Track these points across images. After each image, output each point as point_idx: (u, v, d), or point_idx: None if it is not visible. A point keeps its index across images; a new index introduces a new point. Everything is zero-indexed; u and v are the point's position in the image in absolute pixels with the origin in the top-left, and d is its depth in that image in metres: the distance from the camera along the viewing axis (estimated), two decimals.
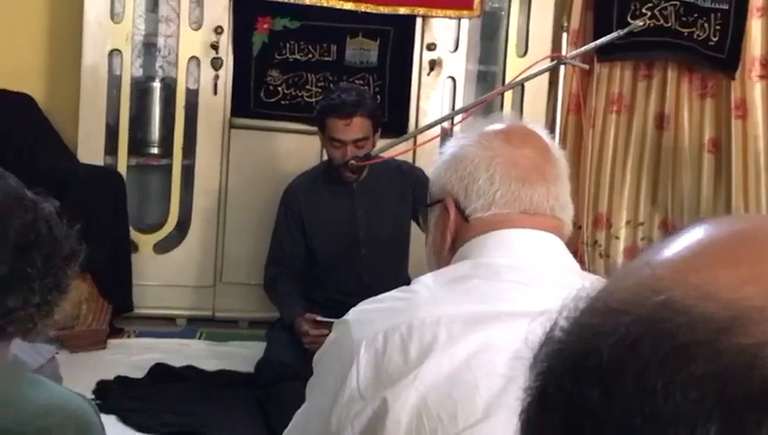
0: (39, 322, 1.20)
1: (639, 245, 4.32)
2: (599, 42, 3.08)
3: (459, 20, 3.90)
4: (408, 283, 1.35)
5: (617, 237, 4.31)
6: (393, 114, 3.80)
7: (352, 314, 1.28)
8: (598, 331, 0.47)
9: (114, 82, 3.72)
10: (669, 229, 4.32)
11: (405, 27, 3.82)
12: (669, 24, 4.12)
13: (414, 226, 3.31)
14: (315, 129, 3.26)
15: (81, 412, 1.18)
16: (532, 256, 1.28)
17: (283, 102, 3.76)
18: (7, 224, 1.12)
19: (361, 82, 3.77)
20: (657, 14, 4.10)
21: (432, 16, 3.84)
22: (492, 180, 1.31)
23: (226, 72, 3.74)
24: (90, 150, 3.64)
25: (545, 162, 1.34)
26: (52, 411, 1.14)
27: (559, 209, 1.33)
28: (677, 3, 4.13)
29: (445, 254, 1.35)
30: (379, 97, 3.78)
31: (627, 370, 0.44)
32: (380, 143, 3.19)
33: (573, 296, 0.52)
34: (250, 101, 3.74)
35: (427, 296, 1.24)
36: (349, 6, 3.74)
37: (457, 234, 1.34)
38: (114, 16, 3.67)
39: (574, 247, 1.30)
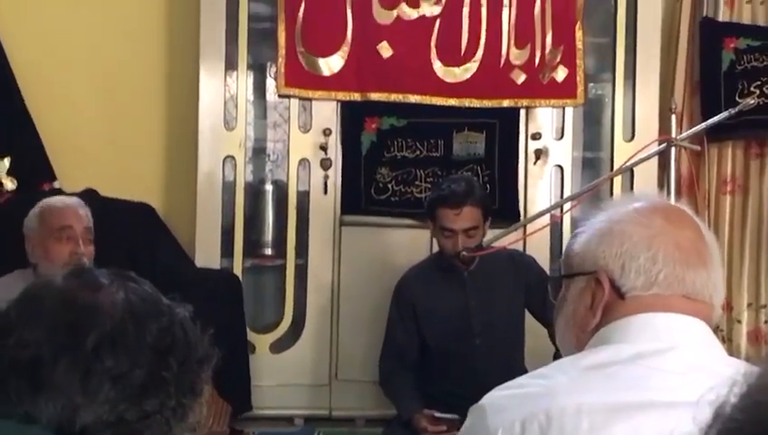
0: (174, 425, 1.22)
1: (763, 328, 4.16)
2: (710, 121, 3.03)
3: (563, 109, 3.90)
4: (524, 374, 1.31)
5: (739, 321, 4.16)
6: (503, 202, 3.80)
7: (487, 399, 1.25)
8: None
9: (228, 186, 3.82)
10: None
11: (509, 119, 3.84)
12: None
13: (528, 315, 3.27)
14: (424, 222, 3.27)
15: None
16: (680, 342, 1.24)
17: (393, 199, 3.81)
18: (144, 329, 1.14)
19: (470, 172, 3.80)
20: (766, 91, 4.03)
21: (535, 107, 3.86)
22: (655, 260, 1.27)
23: (335, 172, 3.81)
24: (207, 254, 3.73)
25: (703, 245, 1.30)
26: None
27: (717, 297, 1.29)
28: None
29: (590, 329, 1.30)
30: (488, 186, 3.79)
31: None
32: (491, 232, 3.18)
33: (741, 374, 0.50)
34: (361, 199, 3.80)
35: (566, 383, 1.20)
36: (453, 102, 3.80)
37: (606, 312, 1.29)
38: (227, 124, 3.80)
39: None
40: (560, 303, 1.37)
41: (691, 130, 3.13)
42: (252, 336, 3.78)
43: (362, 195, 3.80)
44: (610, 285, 1.28)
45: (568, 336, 1.34)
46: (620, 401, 1.15)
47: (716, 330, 4.00)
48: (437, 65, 3.77)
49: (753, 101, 3.30)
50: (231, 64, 3.80)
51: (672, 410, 1.12)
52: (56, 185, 3.84)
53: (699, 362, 1.21)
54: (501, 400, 1.23)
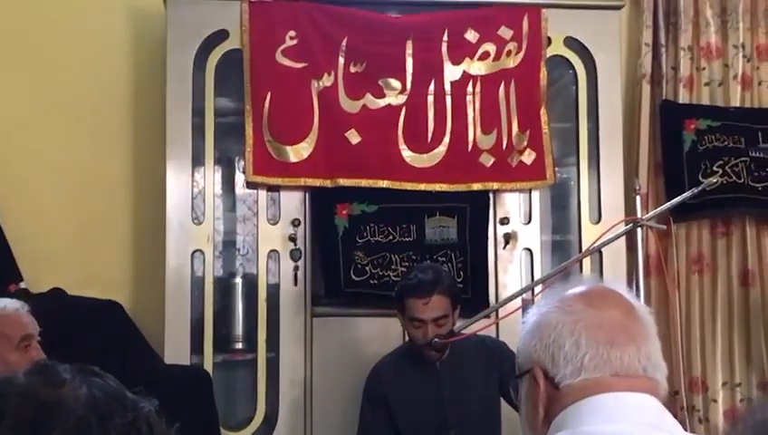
0: None
1: (739, 406, 4.16)
2: (674, 201, 3.08)
3: (530, 193, 3.95)
4: None
5: (714, 400, 4.16)
6: (475, 289, 3.81)
7: None
8: None
9: (197, 281, 3.80)
10: None
11: (480, 203, 3.88)
12: (742, 180, 4.12)
13: (504, 403, 3.24)
14: (395, 311, 3.26)
15: None
16: (633, 420, 1.24)
17: (371, 281, 3.80)
18: (109, 424, 1.13)
19: (444, 259, 3.81)
20: (729, 170, 4.12)
21: (506, 190, 3.90)
22: (578, 345, 1.28)
23: (305, 263, 3.81)
24: (176, 350, 3.69)
25: (631, 321, 1.31)
26: None
27: (651, 369, 1.30)
28: (747, 159, 4.14)
29: (539, 427, 1.31)
30: (462, 274, 3.80)
31: None
32: (462, 320, 3.18)
33: None
34: (340, 281, 3.80)
35: None
36: (423, 187, 3.83)
37: (549, 403, 1.31)
38: (195, 219, 3.81)
39: (673, 414, 1.27)
40: (519, 405, 1.39)
41: (656, 210, 3.19)
42: (223, 434, 3.72)
43: (341, 276, 3.80)
44: (545, 378, 1.30)
45: None
46: None
47: (692, 410, 4.00)
48: (406, 153, 3.81)
49: (716, 181, 3.38)
50: (198, 159, 3.82)
51: None
52: (22, 285, 3.82)
53: None
54: None
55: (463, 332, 3.08)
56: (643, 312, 1.35)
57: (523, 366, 1.36)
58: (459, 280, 3.77)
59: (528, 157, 3.90)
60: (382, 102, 3.83)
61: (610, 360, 1.27)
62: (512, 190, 3.92)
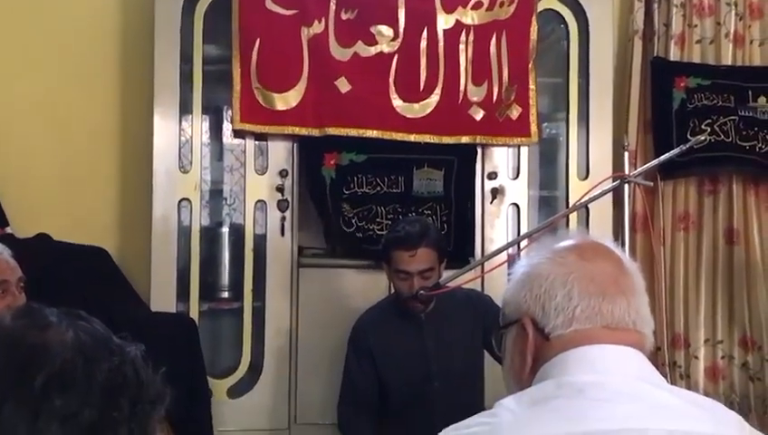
0: None
1: (720, 363, 4.21)
2: (662, 158, 3.09)
3: (519, 148, 3.95)
4: None
5: (696, 357, 4.21)
6: (458, 244, 3.82)
7: None
8: None
9: (184, 230, 3.81)
10: (749, 346, 4.21)
11: (467, 157, 3.88)
12: (730, 139, 4.13)
13: (488, 357, 3.27)
14: (382, 263, 3.28)
15: None
16: (617, 371, 1.26)
17: (357, 235, 3.81)
18: (94, 368, 1.13)
19: (429, 212, 3.82)
20: (717, 129, 4.12)
21: (493, 145, 3.90)
22: (570, 296, 1.30)
23: (292, 214, 3.81)
24: (162, 298, 3.70)
25: (622, 275, 1.33)
26: None
27: (640, 323, 1.32)
28: (736, 118, 4.15)
29: (526, 375, 1.33)
30: (446, 227, 3.81)
31: None
32: (446, 273, 3.19)
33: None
34: (330, 231, 3.81)
35: (510, 420, 1.22)
36: (412, 138, 3.82)
37: (537, 353, 1.32)
38: (182, 167, 3.79)
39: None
40: (503, 355, 1.41)
41: (644, 167, 3.19)
42: (210, 381, 3.74)
43: (332, 226, 3.81)
44: (534, 328, 1.31)
45: (511, 387, 1.38)
46: (562, 432, 1.17)
47: (674, 366, 4.05)
48: (396, 101, 3.80)
49: (704, 139, 3.39)
50: (186, 107, 3.80)
51: None
52: (8, 230, 3.81)
53: (637, 391, 1.24)
54: None
55: (448, 285, 3.09)
56: (632, 266, 1.37)
57: (510, 317, 1.37)
58: (443, 233, 3.78)
59: (514, 112, 3.89)
60: (374, 50, 3.80)
61: (602, 312, 1.29)
62: (498, 145, 3.91)
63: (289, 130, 3.77)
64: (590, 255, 1.34)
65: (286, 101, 3.75)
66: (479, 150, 3.90)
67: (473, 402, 3.13)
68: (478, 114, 3.84)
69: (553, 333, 1.30)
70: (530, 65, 3.90)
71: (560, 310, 1.30)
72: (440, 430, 1.30)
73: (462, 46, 3.83)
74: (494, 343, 1.44)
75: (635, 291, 1.33)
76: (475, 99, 3.84)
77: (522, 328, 1.34)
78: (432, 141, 3.83)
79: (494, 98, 3.85)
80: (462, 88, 3.83)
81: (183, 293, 3.77)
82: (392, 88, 3.80)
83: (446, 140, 3.83)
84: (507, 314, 1.38)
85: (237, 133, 3.82)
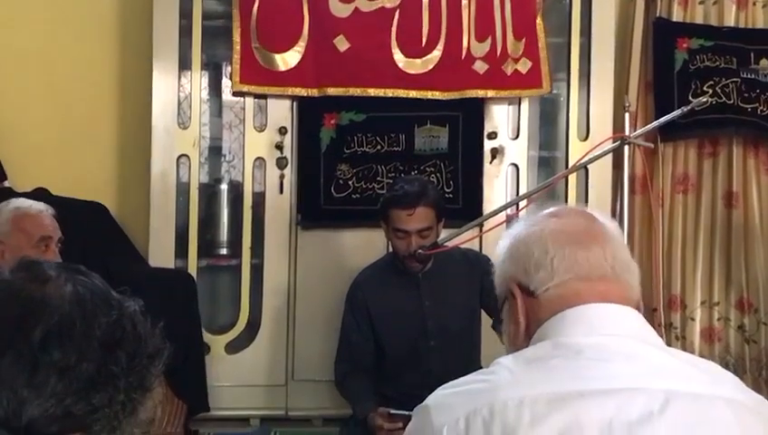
0: (124, 420, 1.21)
1: (716, 325, 4.23)
2: (663, 119, 3.08)
3: (519, 107, 3.94)
4: None
5: (692, 319, 4.22)
6: (467, 200, 3.82)
7: (432, 399, 1.29)
8: None
9: (182, 186, 3.81)
10: (746, 308, 4.23)
11: (473, 111, 3.86)
12: (732, 101, 4.12)
13: (485, 316, 3.28)
14: (380, 222, 3.27)
15: None
16: (614, 332, 1.28)
17: (353, 196, 3.81)
18: (93, 322, 1.14)
19: (433, 169, 3.81)
20: (719, 91, 4.11)
21: (501, 99, 3.87)
22: (546, 250, 1.33)
23: (291, 172, 3.81)
24: (160, 254, 3.71)
25: (593, 226, 1.37)
26: None
27: (620, 269, 1.34)
28: (738, 80, 4.13)
29: (521, 340, 1.35)
30: (452, 184, 3.81)
31: None
32: (448, 231, 3.19)
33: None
34: (320, 197, 3.79)
35: (508, 378, 1.24)
36: (414, 95, 3.79)
37: (529, 315, 1.35)
38: (181, 123, 3.78)
39: None
40: (503, 331, 1.44)
41: (644, 128, 3.18)
42: (207, 337, 3.77)
43: (322, 193, 3.80)
44: (521, 291, 1.35)
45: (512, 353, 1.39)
46: (560, 391, 1.19)
47: (670, 327, 4.06)
48: (398, 57, 3.77)
49: (705, 100, 3.37)
50: (185, 63, 3.78)
51: (610, 398, 1.17)
52: (6, 184, 3.81)
53: (635, 351, 1.25)
54: (445, 398, 1.27)
55: (446, 244, 3.09)
56: (607, 221, 1.40)
57: (501, 293, 1.41)
58: (449, 190, 3.78)
59: (523, 65, 3.86)
60: (375, 5, 3.77)
61: (577, 260, 1.32)
62: (506, 98, 3.89)
63: (289, 90, 3.76)
64: (561, 213, 1.40)
65: (286, 61, 3.73)
66: (483, 106, 3.87)
67: (469, 361, 3.16)
68: (483, 68, 3.81)
69: (539, 290, 1.33)
70: (538, 19, 3.87)
71: (539, 265, 1.33)
72: (436, 388, 1.31)
73: (465, 2, 3.80)
74: (488, 310, 1.47)
75: (609, 237, 1.36)
76: (478, 54, 3.81)
77: (511, 295, 1.37)
78: (435, 97, 3.80)
79: (498, 53, 3.82)
80: (465, 44, 3.80)
81: (181, 249, 3.78)
82: (394, 43, 3.77)
83: (450, 95, 3.81)
84: (499, 293, 1.42)
85: (237, 93, 3.81)
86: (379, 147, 3.82)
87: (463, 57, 3.80)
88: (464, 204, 3.79)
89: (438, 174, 3.81)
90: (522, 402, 1.18)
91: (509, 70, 3.84)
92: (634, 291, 1.35)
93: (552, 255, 1.33)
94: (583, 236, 1.34)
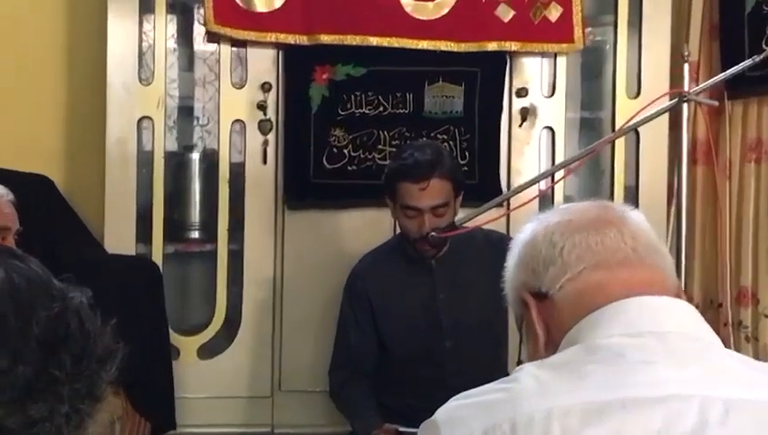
0: None
1: None
2: (730, 71, 3.07)
3: (555, 58, 3.93)
4: None
5: (766, 316, 4.22)
6: (484, 175, 3.82)
7: (441, 412, 1.29)
8: None
9: (145, 156, 3.82)
10: None
11: (495, 67, 3.86)
12: None
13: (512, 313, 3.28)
14: (385, 198, 3.28)
15: None
16: (658, 328, 1.28)
17: (350, 168, 3.81)
18: (31, 316, 1.14)
19: (445, 136, 3.82)
20: None
21: (525, 53, 3.87)
22: (553, 243, 1.36)
23: (277, 137, 3.81)
24: (119, 238, 3.72)
25: (606, 211, 1.40)
26: None
27: (645, 251, 1.35)
28: None
29: (542, 350, 1.37)
30: (467, 154, 3.81)
31: None
32: (465, 210, 3.19)
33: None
34: (310, 169, 3.80)
35: (533, 386, 1.24)
36: (424, 46, 3.80)
37: (548, 324, 1.37)
38: (143, 79, 3.78)
39: (715, 330, 1.30)
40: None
41: (707, 82, 3.17)
42: (175, 338, 3.78)
43: (311, 164, 3.80)
44: (533, 296, 1.38)
45: None
46: (597, 400, 1.19)
47: (739, 326, 4.06)
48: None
49: None
50: (147, 6, 3.79)
51: (658, 408, 1.18)
52: None
53: (686, 350, 1.26)
54: (457, 411, 1.28)
55: (465, 225, 3.10)
56: (627, 208, 1.43)
57: (517, 311, 1.44)
58: (464, 162, 3.78)
59: (553, 13, 3.85)
60: None
61: (590, 246, 1.34)
62: (531, 54, 3.88)
63: (272, 37, 3.76)
64: (572, 207, 1.44)
65: (269, 1, 3.73)
66: (508, 60, 3.88)
67: (493, 367, 3.17)
68: (507, 15, 3.81)
69: (552, 289, 1.35)
70: None
71: (548, 261, 1.36)
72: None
73: None
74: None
75: (628, 221, 1.38)
76: None
77: (524, 306, 1.39)
78: (449, 50, 3.80)
79: None
80: None
81: (144, 232, 3.80)
82: None
83: (467, 47, 3.81)
84: (515, 311, 1.45)
85: (211, 37, 3.81)
86: (381, 108, 3.82)
87: (483, 0, 3.79)
88: (481, 179, 3.79)
89: (452, 142, 3.81)
90: (550, 415, 1.18)
91: (537, 18, 3.83)
92: (668, 278, 1.35)
93: (561, 245, 1.35)
94: (595, 222, 1.37)
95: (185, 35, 4.02)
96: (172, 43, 3.95)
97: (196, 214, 3.96)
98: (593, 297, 1.31)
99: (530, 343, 1.40)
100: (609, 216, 1.38)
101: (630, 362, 1.23)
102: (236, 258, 3.86)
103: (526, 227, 1.45)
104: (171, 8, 3.87)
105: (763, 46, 3.92)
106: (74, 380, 1.17)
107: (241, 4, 3.73)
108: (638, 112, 3.07)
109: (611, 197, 3.90)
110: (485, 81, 3.86)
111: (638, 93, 3.93)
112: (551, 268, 1.35)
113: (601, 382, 1.21)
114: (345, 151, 3.81)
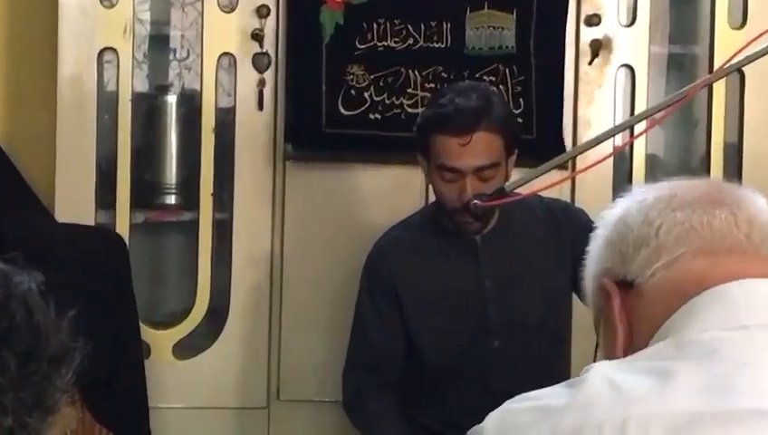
0: None
1: None
2: None
3: None
4: None
5: None
6: (542, 128, 3.82)
7: (493, 418, 1.31)
8: None
9: (107, 99, 3.83)
10: None
11: None
12: None
13: (579, 304, 3.29)
14: (417, 156, 3.28)
15: None
16: (765, 320, 1.29)
17: (372, 117, 3.81)
18: None
19: (493, 78, 3.81)
20: None
21: None
22: (649, 221, 1.38)
23: (276, 76, 3.81)
24: (73, 204, 3.75)
25: (719, 189, 1.42)
26: None
27: (763, 241, 1.36)
28: None
29: (620, 349, 1.38)
30: (522, 102, 3.81)
31: None
32: (519, 171, 3.19)
33: None
34: (321, 116, 3.80)
35: (605, 390, 1.24)
36: None
37: (631, 318, 1.38)
38: (104, 0, 3.78)
39: None
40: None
41: None
42: (147, 332, 3.79)
43: (323, 109, 3.80)
44: (617, 285, 1.39)
45: None
46: (687, 410, 1.19)
47: None
48: None
49: None
50: None
51: (766, 423, 1.18)
52: None
53: None
54: (511, 417, 1.29)
55: (518, 191, 3.10)
56: (744, 189, 1.44)
57: (596, 305, 1.45)
58: (517, 112, 3.77)
59: None
60: None
61: (694, 227, 1.35)
62: None
63: None
64: (673, 182, 1.45)
65: None
66: None
67: (553, 371, 3.17)
68: None
69: (642, 276, 1.36)
70: None
71: (640, 242, 1.37)
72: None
73: None
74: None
75: (744, 201, 1.39)
76: None
77: (605, 297, 1.40)
78: None
79: None
80: None
81: (106, 196, 3.82)
82: None
83: None
84: (594, 304, 1.46)
85: None
86: (410, 41, 3.82)
87: None
88: (539, 133, 3.79)
89: (503, 86, 3.80)
90: (625, 425, 1.19)
91: None
92: None
93: (659, 223, 1.36)
94: (703, 200, 1.38)
95: None
96: None
97: (172, 173, 3.97)
98: (690, 288, 1.32)
99: (606, 342, 1.42)
100: (721, 194, 1.39)
101: (730, 364, 1.23)
102: (223, 230, 3.89)
103: (618, 202, 1.46)
104: None
105: None
106: (20, 386, 1.19)
107: None
108: (744, 47, 3.05)
109: (707, 157, 3.89)
110: (544, 6, 3.85)
111: (744, 23, 3.92)
112: (642, 250, 1.36)
113: (694, 387, 1.21)
114: (365, 95, 3.81)
